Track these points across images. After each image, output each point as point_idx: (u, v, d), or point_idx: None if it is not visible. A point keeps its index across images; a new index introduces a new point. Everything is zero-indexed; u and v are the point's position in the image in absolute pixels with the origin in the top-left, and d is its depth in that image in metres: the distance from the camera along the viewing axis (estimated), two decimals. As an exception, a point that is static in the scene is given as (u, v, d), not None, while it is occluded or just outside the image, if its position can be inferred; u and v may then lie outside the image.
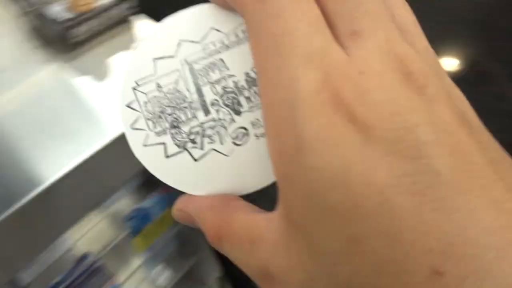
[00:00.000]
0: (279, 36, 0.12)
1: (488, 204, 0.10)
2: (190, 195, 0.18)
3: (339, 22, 0.12)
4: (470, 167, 0.10)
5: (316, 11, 0.13)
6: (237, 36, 0.17)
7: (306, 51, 0.12)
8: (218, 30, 0.17)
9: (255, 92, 0.17)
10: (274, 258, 0.13)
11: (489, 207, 0.10)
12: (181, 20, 0.17)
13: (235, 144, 0.17)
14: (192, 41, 0.17)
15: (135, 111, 0.17)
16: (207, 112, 0.17)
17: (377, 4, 0.12)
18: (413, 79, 0.11)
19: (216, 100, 0.17)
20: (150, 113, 0.17)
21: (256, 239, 0.14)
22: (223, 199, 0.17)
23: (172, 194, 0.74)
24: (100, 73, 0.52)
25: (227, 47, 0.17)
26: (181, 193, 0.18)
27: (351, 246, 0.10)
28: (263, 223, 0.14)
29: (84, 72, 0.53)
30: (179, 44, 0.17)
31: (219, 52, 0.17)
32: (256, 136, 0.17)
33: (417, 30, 0.14)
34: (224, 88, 0.17)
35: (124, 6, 0.57)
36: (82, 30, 0.54)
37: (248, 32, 0.14)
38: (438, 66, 0.13)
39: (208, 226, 0.16)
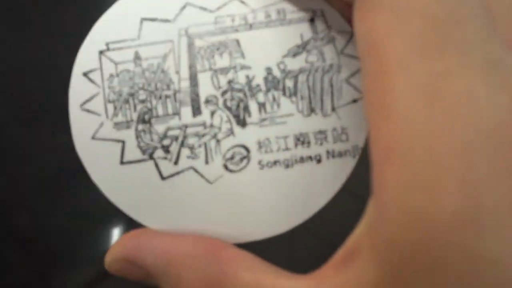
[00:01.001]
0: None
1: None
2: (144, 231, 0.11)
3: None
4: None
5: None
6: (268, 16, 0.12)
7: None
8: (243, 2, 0.12)
9: (273, 99, 0.12)
10: None
11: None
12: None
13: (226, 168, 0.12)
14: (203, 8, 0.12)
15: (93, 84, 0.12)
16: (197, 111, 0.12)
17: None
18: None
19: (215, 97, 0.12)
20: (114, 93, 0.12)
21: None
22: (210, 245, 0.10)
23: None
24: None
25: (250, 26, 0.12)
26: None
27: None
28: None
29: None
30: (183, 7, 0.12)
31: (237, 30, 0.12)
32: (261, 164, 0.11)
33: None
34: (230, 82, 0.12)
35: None
36: None
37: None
38: None
39: None
